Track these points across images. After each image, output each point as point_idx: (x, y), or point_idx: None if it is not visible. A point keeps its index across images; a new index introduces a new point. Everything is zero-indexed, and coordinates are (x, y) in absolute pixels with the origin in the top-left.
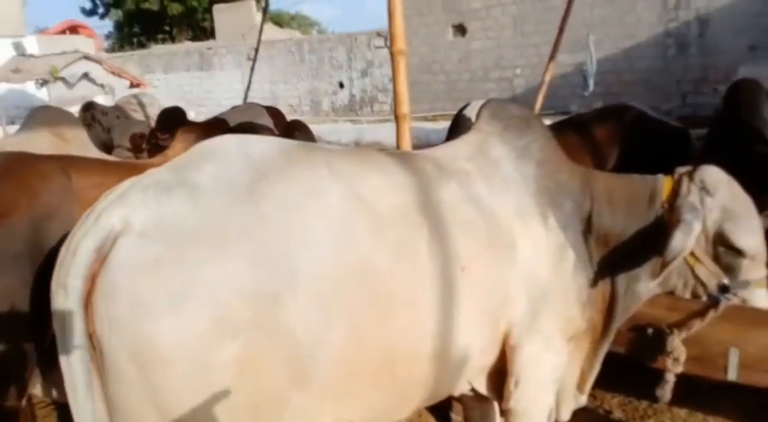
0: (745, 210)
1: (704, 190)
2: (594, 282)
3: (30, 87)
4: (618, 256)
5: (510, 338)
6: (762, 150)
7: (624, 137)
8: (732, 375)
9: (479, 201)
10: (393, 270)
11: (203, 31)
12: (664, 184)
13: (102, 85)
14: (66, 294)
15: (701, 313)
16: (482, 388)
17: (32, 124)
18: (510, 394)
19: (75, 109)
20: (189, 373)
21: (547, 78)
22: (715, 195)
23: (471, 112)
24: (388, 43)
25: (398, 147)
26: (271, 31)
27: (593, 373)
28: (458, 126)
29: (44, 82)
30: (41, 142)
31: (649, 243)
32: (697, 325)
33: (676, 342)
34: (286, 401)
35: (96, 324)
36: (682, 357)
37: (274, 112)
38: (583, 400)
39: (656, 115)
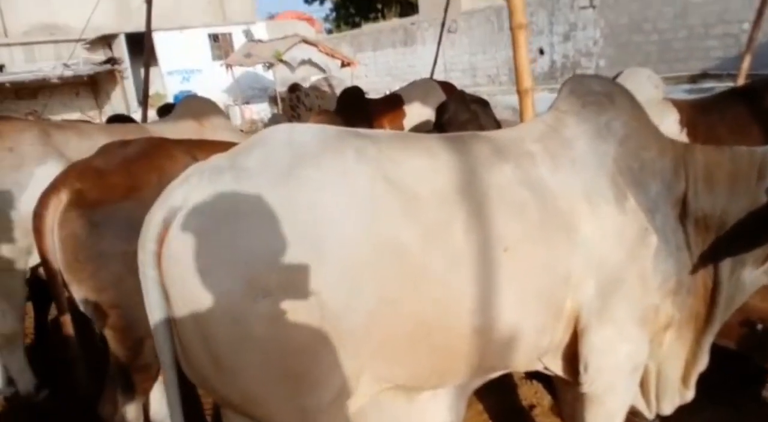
0: None
1: None
2: (692, 269)
3: (259, 69)
4: (721, 240)
5: (579, 321)
6: None
7: None
8: None
9: (537, 183)
10: (423, 248)
11: (411, 7)
12: None
13: (317, 66)
14: (144, 253)
15: None
16: (556, 369)
17: (180, 113)
18: (581, 378)
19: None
20: (228, 322)
21: (758, 34)
22: None
23: (624, 82)
24: (594, 2)
25: (522, 122)
26: (472, 1)
27: (698, 366)
28: None
29: (270, 65)
30: (185, 128)
31: (758, 227)
32: None
33: None
34: (320, 356)
35: (163, 278)
36: None
37: (446, 87)
38: (689, 396)
39: None
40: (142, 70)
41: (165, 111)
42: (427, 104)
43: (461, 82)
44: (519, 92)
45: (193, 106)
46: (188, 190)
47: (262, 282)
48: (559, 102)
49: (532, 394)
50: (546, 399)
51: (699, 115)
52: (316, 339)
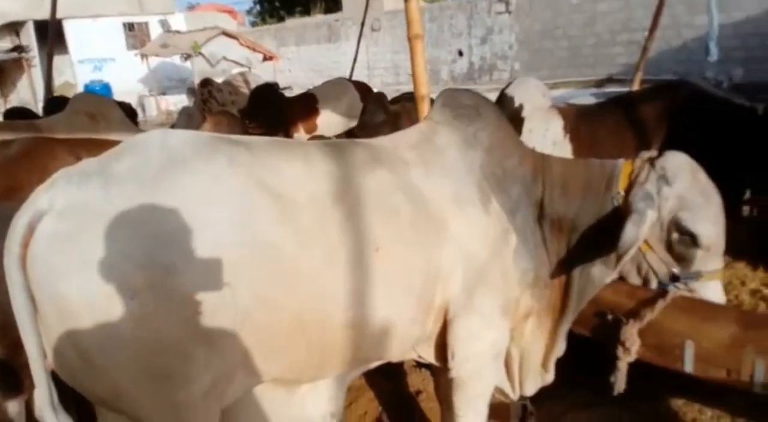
0: (705, 199)
1: (663, 178)
2: (548, 265)
3: (177, 60)
4: (573, 241)
5: (448, 314)
6: None
7: (674, 118)
8: (689, 368)
9: (410, 187)
10: (298, 249)
11: (336, 3)
12: (623, 169)
13: (237, 62)
14: (9, 255)
15: (652, 302)
16: (429, 357)
17: (73, 109)
18: (450, 365)
19: (219, 80)
20: (95, 324)
21: (650, 45)
22: (674, 183)
23: (514, 91)
24: (510, 8)
25: None
26: (395, 2)
27: (556, 351)
28: (501, 105)
29: (188, 57)
30: (78, 124)
31: (604, 230)
32: (648, 315)
33: (630, 332)
34: (189, 353)
35: (29, 280)
36: (634, 348)
37: (360, 86)
38: (549, 378)
39: (722, 94)
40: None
41: (55, 105)
42: (340, 103)
43: (384, 80)
44: (416, 98)
45: (86, 101)
46: (54, 194)
47: (129, 283)
48: (433, 113)
49: (419, 381)
50: (431, 385)
51: (582, 122)
52: (186, 337)
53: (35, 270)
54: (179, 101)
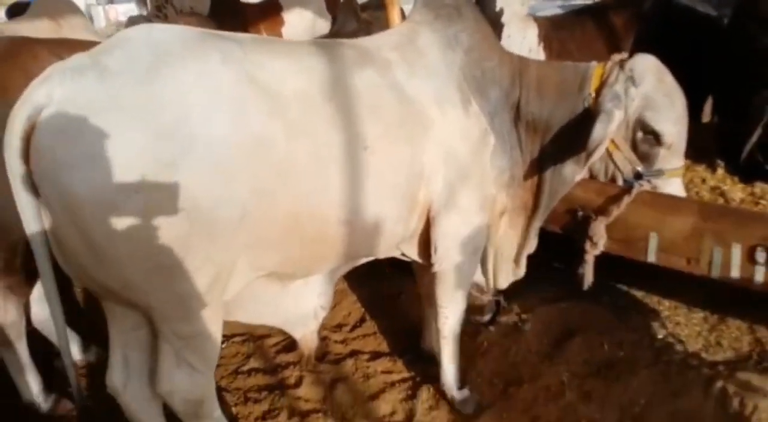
0: (669, 100)
1: (631, 79)
2: (522, 165)
3: None
4: (546, 142)
5: (431, 211)
6: None
7: (641, 26)
8: (651, 257)
9: (395, 87)
10: (290, 144)
11: None
12: (595, 72)
13: None
14: (10, 149)
15: (618, 198)
16: (412, 254)
17: (36, 12)
18: (432, 260)
19: None
20: (101, 216)
21: None
22: (641, 84)
23: None
24: None
25: None
26: None
27: (528, 248)
28: (482, 8)
29: None
30: (42, 28)
31: (576, 130)
32: (615, 211)
33: (598, 227)
34: (190, 245)
35: (34, 173)
36: (601, 242)
37: None
38: (520, 273)
39: (688, 2)
40: None
41: (16, 11)
42: (306, 11)
43: None
44: (386, 3)
45: (49, 5)
46: (51, 87)
47: (133, 177)
48: (413, 14)
49: (399, 284)
50: (410, 288)
51: (553, 31)
52: (189, 231)
53: (39, 163)
54: (129, 10)
